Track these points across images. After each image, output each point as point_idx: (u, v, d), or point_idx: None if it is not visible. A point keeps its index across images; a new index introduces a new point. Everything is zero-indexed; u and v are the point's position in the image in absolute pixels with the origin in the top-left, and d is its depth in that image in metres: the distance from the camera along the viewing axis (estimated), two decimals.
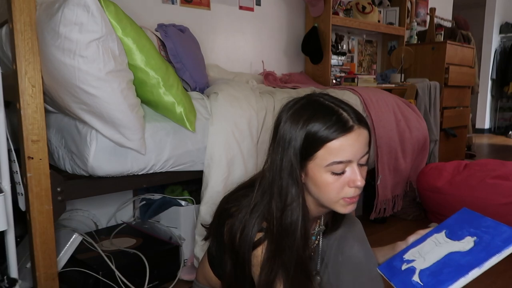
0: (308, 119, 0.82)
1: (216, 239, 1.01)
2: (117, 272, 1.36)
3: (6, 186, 1.04)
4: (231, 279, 0.94)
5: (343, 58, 3.34)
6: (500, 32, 6.67)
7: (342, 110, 0.83)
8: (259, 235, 0.87)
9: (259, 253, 0.87)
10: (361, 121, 0.83)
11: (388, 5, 3.49)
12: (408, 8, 3.50)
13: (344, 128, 0.80)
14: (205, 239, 1.12)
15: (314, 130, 0.81)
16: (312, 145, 0.81)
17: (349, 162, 0.82)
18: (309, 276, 0.89)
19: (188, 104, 1.35)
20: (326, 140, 0.80)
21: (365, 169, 0.87)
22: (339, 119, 0.81)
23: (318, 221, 1.04)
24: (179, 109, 1.30)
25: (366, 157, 0.85)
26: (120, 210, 1.90)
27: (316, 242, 1.03)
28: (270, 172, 0.87)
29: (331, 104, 0.84)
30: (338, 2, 3.08)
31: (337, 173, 0.82)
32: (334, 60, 3.25)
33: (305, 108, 0.84)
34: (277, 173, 0.86)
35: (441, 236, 0.90)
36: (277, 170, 0.85)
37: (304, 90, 1.99)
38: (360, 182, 0.83)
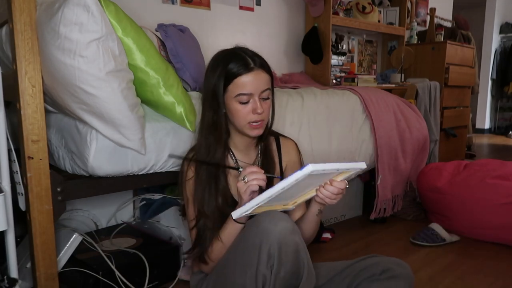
0: (223, 64, 1.10)
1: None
2: (117, 272, 1.36)
3: (6, 186, 1.04)
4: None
5: (343, 58, 3.34)
6: (500, 32, 6.67)
7: (247, 57, 1.10)
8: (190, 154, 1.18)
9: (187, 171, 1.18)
10: (262, 65, 1.11)
11: (388, 5, 3.49)
12: (408, 8, 3.50)
13: (246, 68, 1.08)
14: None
15: (226, 70, 1.09)
16: (226, 81, 1.09)
17: (250, 94, 1.10)
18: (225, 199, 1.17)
19: (188, 104, 1.35)
20: (233, 76, 1.08)
21: (267, 102, 1.14)
22: (244, 63, 1.08)
23: (253, 155, 1.26)
24: (179, 109, 1.30)
25: (266, 93, 1.12)
26: (120, 210, 1.90)
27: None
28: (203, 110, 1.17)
29: (241, 53, 1.11)
30: (338, 2, 3.08)
31: (242, 102, 1.10)
32: (334, 60, 3.25)
33: (223, 56, 1.13)
34: (203, 104, 1.17)
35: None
36: (203, 101, 1.17)
37: (304, 90, 1.99)
38: (260, 110, 1.10)
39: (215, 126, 1.14)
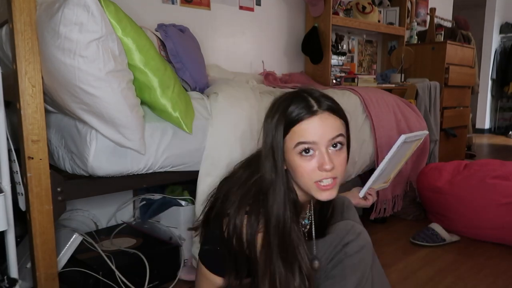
0: (282, 109, 0.90)
1: (211, 237, 1.02)
2: (117, 272, 1.36)
3: (6, 186, 1.04)
4: (233, 272, 0.97)
5: (343, 58, 3.34)
6: (500, 32, 6.66)
7: (310, 98, 0.89)
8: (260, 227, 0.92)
9: (259, 239, 0.93)
10: (330, 108, 0.89)
11: (388, 5, 3.49)
12: (408, 8, 3.50)
13: (307, 112, 0.87)
14: (195, 229, 1.08)
15: (285, 116, 0.88)
16: (284, 130, 0.89)
17: (313, 143, 0.87)
18: (301, 259, 0.94)
19: (185, 106, 1.35)
20: (292, 123, 0.88)
21: (339, 154, 0.90)
22: (305, 105, 0.88)
23: (309, 205, 1.08)
24: (175, 112, 1.30)
25: (337, 139, 0.89)
26: (120, 210, 1.90)
27: (308, 227, 1.08)
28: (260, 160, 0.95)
29: (304, 94, 0.91)
30: (338, 2, 3.08)
31: (305, 155, 0.88)
32: (334, 60, 3.25)
33: (283, 100, 0.92)
34: (263, 161, 0.94)
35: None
36: (263, 158, 0.94)
37: None
38: (329, 165, 0.86)
39: (273, 187, 0.92)
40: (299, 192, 0.97)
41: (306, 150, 0.88)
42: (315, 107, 0.88)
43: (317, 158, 0.88)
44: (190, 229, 1.16)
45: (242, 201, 0.94)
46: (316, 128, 0.87)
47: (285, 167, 0.93)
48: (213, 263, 1.02)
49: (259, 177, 0.95)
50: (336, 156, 0.89)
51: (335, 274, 1.01)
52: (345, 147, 0.92)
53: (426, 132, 1.34)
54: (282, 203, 0.92)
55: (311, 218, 1.08)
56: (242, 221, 0.92)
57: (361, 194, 1.30)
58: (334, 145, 0.89)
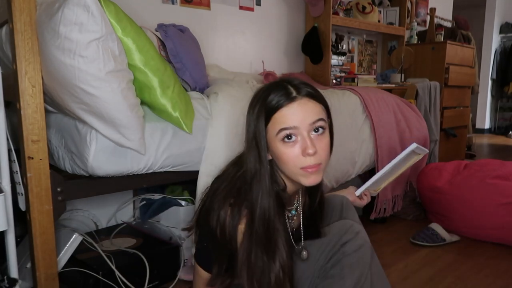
0: (262, 98, 0.91)
1: (202, 235, 1.03)
2: (117, 272, 1.36)
3: (6, 186, 1.04)
4: (220, 266, 0.98)
5: (343, 58, 3.34)
6: (500, 32, 6.67)
7: (289, 85, 0.90)
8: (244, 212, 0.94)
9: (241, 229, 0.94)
10: (309, 94, 0.90)
11: (388, 5, 3.49)
12: (408, 8, 3.50)
13: (287, 99, 0.88)
14: (189, 229, 1.08)
15: (265, 105, 0.90)
16: (266, 118, 0.90)
17: (295, 128, 0.88)
18: (289, 249, 0.96)
19: (185, 106, 1.35)
20: (272, 111, 0.89)
21: (322, 138, 0.91)
22: (284, 93, 0.89)
23: (297, 196, 1.09)
24: (175, 112, 1.30)
25: (318, 123, 0.89)
26: (120, 210, 1.90)
27: (295, 218, 1.09)
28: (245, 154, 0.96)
29: (283, 83, 0.92)
30: (338, 2, 3.08)
31: (286, 141, 0.88)
32: (334, 60, 3.25)
33: (263, 90, 0.94)
34: (246, 152, 0.95)
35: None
36: (247, 150, 0.95)
37: None
38: (311, 149, 0.87)
39: (258, 177, 0.93)
40: (287, 183, 0.98)
41: (288, 136, 0.88)
42: (294, 93, 0.89)
43: (299, 143, 0.89)
44: (184, 229, 1.16)
45: (227, 194, 0.95)
46: (296, 113, 0.88)
47: (270, 157, 0.95)
48: (205, 260, 1.03)
49: (244, 170, 0.96)
50: (318, 140, 0.90)
51: (334, 274, 1.01)
52: (327, 132, 0.93)
53: (427, 150, 1.38)
54: (267, 193, 0.92)
55: (299, 209, 1.08)
56: (226, 213, 0.93)
57: (358, 192, 1.32)
58: (316, 130, 0.90)
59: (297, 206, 1.09)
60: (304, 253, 1.05)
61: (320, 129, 0.91)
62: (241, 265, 0.93)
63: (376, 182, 1.32)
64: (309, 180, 0.91)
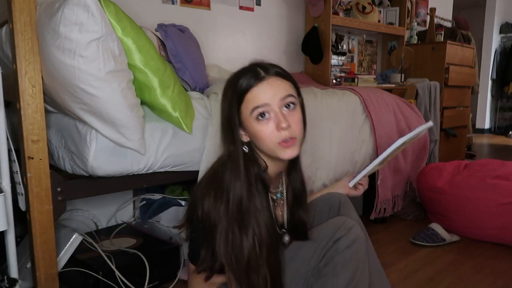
0: (233, 83, 0.96)
1: (193, 229, 1.05)
2: (117, 272, 1.36)
3: (6, 186, 1.04)
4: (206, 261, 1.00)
5: (343, 58, 3.34)
6: (500, 32, 6.67)
7: (258, 67, 0.96)
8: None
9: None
10: (278, 73, 0.96)
11: (388, 5, 3.49)
12: (408, 8, 3.50)
13: (256, 79, 0.93)
14: (179, 227, 1.09)
15: (237, 88, 0.94)
16: (238, 100, 0.95)
17: (266, 105, 0.93)
18: (273, 234, 1.00)
19: (185, 106, 1.35)
20: (244, 92, 0.94)
21: (294, 113, 0.96)
22: (253, 74, 0.94)
23: (280, 180, 1.12)
24: (175, 112, 1.30)
25: (288, 99, 0.95)
26: (120, 210, 1.90)
27: (282, 202, 1.11)
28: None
29: (251, 65, 0.98)
30: (338, 2, 3.08)
31: (260, 119, 0.93)
32: (334, 60, 3.25)
33: (234, 75, 0.99)
34: (222, 137, 1.00)
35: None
36: (222, 134, 1.00)
37: (304, 90, 1.98)
38: (284, 123, 0.92)
39: (233, 158, 0.97)
40: (268, 162, 1.02)
41: (262, 114, 0.93)
42: (263, 73, 0.94)
43: (273, 119, 0.93)
44: (175, 227, 1.17)
45: (209, 182, 0.99)
46: (266, 91, 0.93)
47: (248, 139, 0.99)
48: (195, 256, 1.05)
49: (222, 155, 1.01)
50: (290, 116, 0.95)
51: (327, 272, 1.00)
52: (298, 108, 0.98)
53: (430, 123, 1.29)
54: (242, 172, 0.96)
55: (283, 193, 1.11)
56: (210, 200, 0.95)
57: (352, 183, 1.30)
58: (287, 106, 0.95)
59: (281, 190, 1.11)
60: (286, 238, 1.08)
61: (291, 105, 0.95)
62: (219, 243, 0.95)
63: (372, 169, 1.29)
64: (287, 154, 0.95)
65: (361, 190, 1.33)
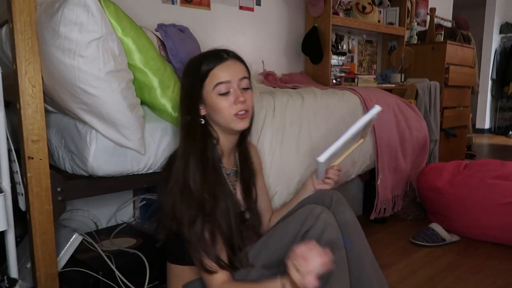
0: (198, 63, 1.09)
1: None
2: (117, 272, 1.36)
3: (6, 186, 1.04)
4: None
5: (343, 58, 3.34)
6: (500, 32, 6.66)
7: (220, 51, 1.10)
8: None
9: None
10: (236, 57, 1.11)
11: (388, 5, 3.49)
12: (408, 8, 3.50)
13: (220, 60, 1.08)
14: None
15: (201, 68, 1.07)
16: (201, 78, 1.07)
17: (228, 82, 1.07)
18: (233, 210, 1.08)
19: None
20: (208, 70, 1.07)
21: (248, 93, 1.11)
22: (216, 56, 1.09)
23: (234, 160, 1.22)
24: (175, 112, 1.30)
25: (244, 82, 1.10)
26: (120, 210, 1.90)
27: (235, 182, 1.20)
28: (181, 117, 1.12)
29: (213, 50, 1.11)
30: (338, 2, 3.08)
31: (222, 93, 1.07)
32: (334, 60, 3.25)
33: (196, 58, 1.12)
34: (181, 110, 1.12)
35: None
36: (181, 107, 1.12)
37: (304, 90, 1.99)
38: (242, 98, 1.07)
39: (188, 127, 1.09)
40: (220, 135, 1.13)
41: (224, 89, 1.06)
42: (225, 55, 1.09)
43: (232, 95, 1.07)
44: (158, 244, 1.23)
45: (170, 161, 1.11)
46: (228, 70, 1.07)
47: (204, 112, 1.11)
48: (178, 255, 1.12)
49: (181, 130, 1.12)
50: (245, 93, 1.10)
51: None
52: (250, 90, 1.13)
53: (379, 107, 1.18)
54: (199, 140, 1.08)
55: (237, 172, 1.20)
56: (179, 171, 1.06)
57: (318, 184, 1.26)
58: (244, 88, 1.10)
59: (235, 170, 1.21)
60: (247, 214, 1.18)
61: (247, 86, 1.11)
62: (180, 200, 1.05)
63: (332, 157, 1.18)
64: (241, 125, 1.09)
65: (330, 184, 1.28)
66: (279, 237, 1.07)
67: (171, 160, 1.10)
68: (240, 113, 1.07)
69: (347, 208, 1.15)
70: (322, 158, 1.12)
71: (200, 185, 1.04)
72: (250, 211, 1.20)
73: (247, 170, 1.22)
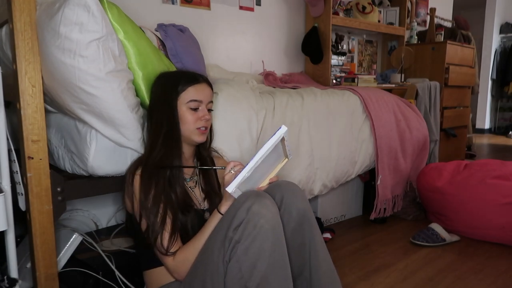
0: (175, 77, 1.24)
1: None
2: (117, 272, 1.36)
3: (6, 186, 1.04)
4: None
5: (343, 58, 3.34)
6: (500, 32, 6.67)
7: (196, 74, 1.27)
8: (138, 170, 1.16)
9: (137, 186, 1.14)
10: (208, 82, 1.28)
11: (388, 5, 3.49)
12: (408, 8, 3.50)
13: (196, 80, 1.24)
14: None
15: (179, 81, 1.22)
16: (179, 89, 1.21)
17: (200, 102, 1.23)
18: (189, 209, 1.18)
19: None
20: (186, 85, 1.21)
21: (211, 113, 1.28)
22: (193, 77, 1.25)
23: (193, 170, 1.32)
24: None
25: (210, 105, 1.27)
26: (120, 210, 1.90)
27: (195, 187, 1.29)
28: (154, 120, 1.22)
29: (189, 72, 1.28)
30: (338, 2, 3.08)
31: (192, 109, 1.22)
32: (334, 60, 3.25)
33: (173, 73, 1.29)
34: (158, 115, 1.22)
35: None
36: (158, 114, 1.22)
37: (304, 90, 1.99)
38: (208, 116, 1.24)
39: (171, 130, 1.20)
40: (184, 145, 1.25)
41: (194, 108, 1.22)
42: (200, 79, 1.26)
43: (199, 112, 1.23)
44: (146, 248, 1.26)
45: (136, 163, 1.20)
46: (202, 91, 1.24)
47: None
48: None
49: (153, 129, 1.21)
50: (209, 114, 1.26)
51: (231, 267, 1.00)
52: (211, 113, 1.30)
53: (285, 128, 1.07)
54: (168, 123, 1.19)
55: (197, 183, 1.30)
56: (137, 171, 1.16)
57: (229, 189, 1.04)
58: (209, 110, 1.27)
59: (196, 180, 1.30)
60: (207, 214, 1.23)
61: (211, 110, 1.29)
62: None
63: (246, 183, 1.07)
64: (200, 138, 1.24)
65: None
66: (214, 232, 1.07)
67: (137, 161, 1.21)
68: (201, 128, 1.23)
69: (299, 199, 1.14)
70: (230, 188, 1.03)
71: (160, 160, 1.16)
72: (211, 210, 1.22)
73: (207, 182, 1.31)
